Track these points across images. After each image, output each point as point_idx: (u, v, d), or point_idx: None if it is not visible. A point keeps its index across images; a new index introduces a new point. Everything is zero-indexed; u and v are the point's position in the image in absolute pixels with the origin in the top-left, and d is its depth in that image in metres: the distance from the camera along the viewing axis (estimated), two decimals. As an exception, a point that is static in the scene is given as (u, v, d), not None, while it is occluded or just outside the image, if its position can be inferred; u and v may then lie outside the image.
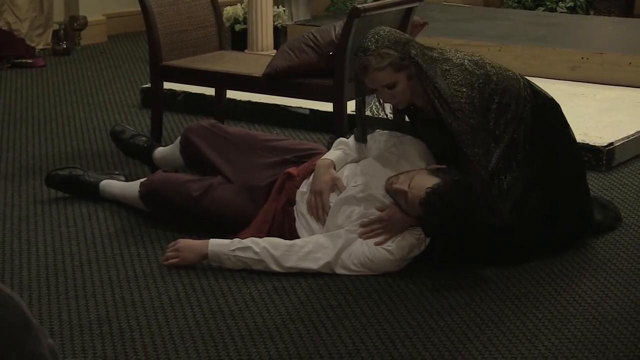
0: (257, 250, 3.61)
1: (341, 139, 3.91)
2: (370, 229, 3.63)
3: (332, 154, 3.85)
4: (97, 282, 3.57)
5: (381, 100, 3.80)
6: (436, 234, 3.59)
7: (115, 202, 4.24)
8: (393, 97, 3.62)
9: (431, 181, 3.52)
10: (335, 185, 3.75)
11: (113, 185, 4.28)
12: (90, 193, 4.30)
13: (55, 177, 4.34)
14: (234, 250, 3.61)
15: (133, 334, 3.21)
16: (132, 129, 4.66)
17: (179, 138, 4.30)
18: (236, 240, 3.64)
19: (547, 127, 3.76)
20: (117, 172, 4.47)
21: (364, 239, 3.62)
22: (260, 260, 3.61)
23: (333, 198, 3.75)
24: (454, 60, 3.61)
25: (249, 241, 3.64)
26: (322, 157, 3.84)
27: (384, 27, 3.64)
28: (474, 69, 3.61)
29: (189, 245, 3.66)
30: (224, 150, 4.10)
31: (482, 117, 3.60)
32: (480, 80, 3.60)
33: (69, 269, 3.69)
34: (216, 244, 3.64)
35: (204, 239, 3.67)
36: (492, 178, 3.64)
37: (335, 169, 3.79)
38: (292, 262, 3.61)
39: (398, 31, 3.67)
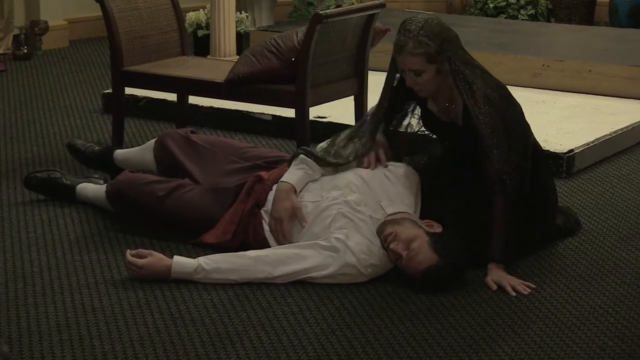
0: (221, 277, 3.58)
1: (302, 156, 3.86)
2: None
3: (293, 176, 3.81)
4: (56, 288, 3.55)
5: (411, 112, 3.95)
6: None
7: (91, 205, 4.23)
8: (416, 83, 3.67)
9: (430, 258, 3.53)
10: (295, 215, 3.74)
11: (88, 188, 4.28)
12: (67, 196, 4.29)
13: (33, 179, 4.34)
14: (198, 278, 3.58)
15: (93, 341, 3.19)
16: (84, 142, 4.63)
17: (150, 142, 4.31)
18: (199, 266, 3.58)
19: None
20: (96, 176, 4.46)
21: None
22: (227, 279, 3.59)
23: (310, 207, 3.75)
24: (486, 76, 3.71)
25: (211, 267, 3.58)
26: (282, 180, 3.81)
27: (436, 18, 3.67)
28: (500, 91, 3.72)
29: (150, 271, 3.58)
30: (197, 156, 4.10)
31: (505, 131, 3.63)
32: (509, 101, 3.72)
33: (28, 275, 3.66)
34: (179, 271, 3.58)
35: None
36: (522, 183, 3.67)
37: (296, 193, 3.77)
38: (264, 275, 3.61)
39: (446, 26, 3.69)
